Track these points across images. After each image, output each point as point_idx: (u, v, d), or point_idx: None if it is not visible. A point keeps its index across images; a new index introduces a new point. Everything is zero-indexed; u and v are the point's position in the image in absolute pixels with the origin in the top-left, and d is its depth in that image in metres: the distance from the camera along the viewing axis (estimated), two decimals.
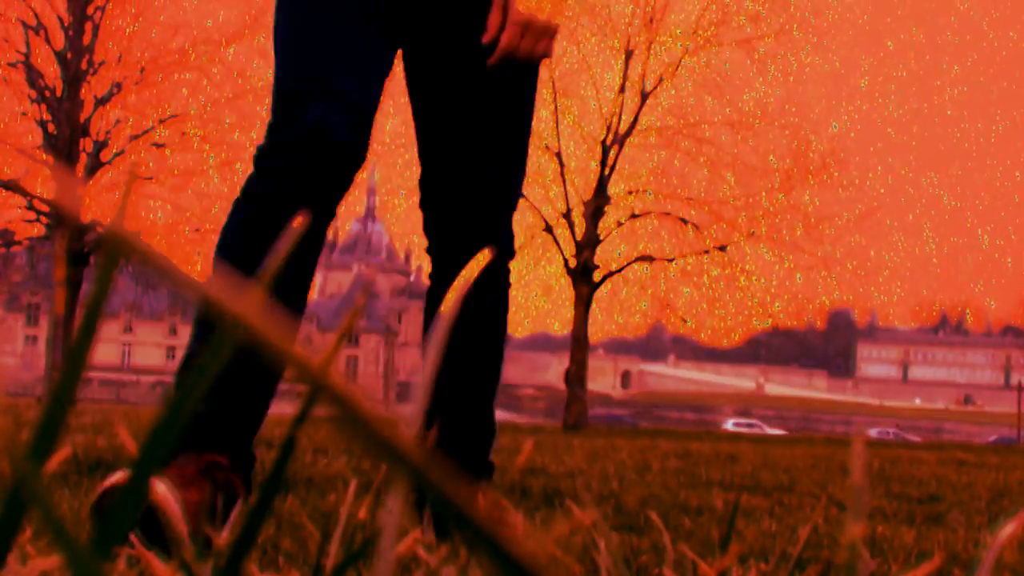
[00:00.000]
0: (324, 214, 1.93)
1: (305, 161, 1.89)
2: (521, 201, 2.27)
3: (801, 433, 35.41)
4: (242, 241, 1.92)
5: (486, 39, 2.00)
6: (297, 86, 1.94)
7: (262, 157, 1.94)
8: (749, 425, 57.82)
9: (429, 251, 2.18)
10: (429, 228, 2.16)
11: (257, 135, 21.29)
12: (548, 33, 1.99)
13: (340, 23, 1.97)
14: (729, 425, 57.30)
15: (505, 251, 2.15)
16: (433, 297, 2.14)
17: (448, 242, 2.12)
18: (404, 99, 2.25)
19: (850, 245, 24.34)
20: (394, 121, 20.08)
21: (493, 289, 2.12)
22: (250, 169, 1.97)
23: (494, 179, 2.12)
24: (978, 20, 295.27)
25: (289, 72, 1.97)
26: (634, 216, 22.94)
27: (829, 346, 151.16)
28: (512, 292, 2.21)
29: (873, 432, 56.42)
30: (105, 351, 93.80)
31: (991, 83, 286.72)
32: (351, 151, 1.92)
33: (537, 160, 21.78)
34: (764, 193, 23.19)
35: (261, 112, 21.30)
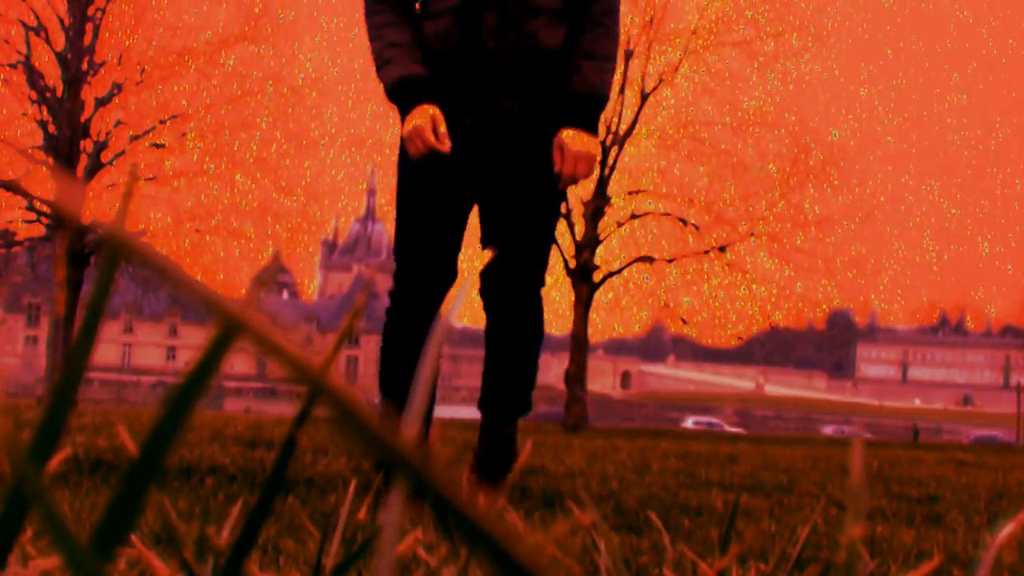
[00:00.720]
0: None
1: (412, 308, 2.92)
2: None
3: (800, 434, 35.41)
4: (389, 353, 2.96)
5: (562, 180, 2.85)
6: (407, 256, 2.94)
7: (391, 299, 2.99)
8: (710, 424, 57.38)
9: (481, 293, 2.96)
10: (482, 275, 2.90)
11: (256, 141, 21.35)
12: (591, 160, 2.84)
13: (436, 209, 2.89)
14: (689, 423, 56.76)
15: (539, 280, 2.96)
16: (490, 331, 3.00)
17: (493, 281, 2.91)
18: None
19: (851, 253, 24.37)
20: (395, 129, 20.09)
21: (531, 313, 2.96)
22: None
23: (535, 243, 2.94)
24: (977, 28, 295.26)
25: (403, 243, 2.94)
26: (634, 217, 22.94)
27: (829, 347, 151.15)
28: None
29: (828, 430, 56.21)
30: (105, 351, 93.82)
31: (991, 91, 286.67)
32: (437, 297, 2.89)
33: None
34: (764, 202, 23.23)
35: (260, 122, 21.32)
